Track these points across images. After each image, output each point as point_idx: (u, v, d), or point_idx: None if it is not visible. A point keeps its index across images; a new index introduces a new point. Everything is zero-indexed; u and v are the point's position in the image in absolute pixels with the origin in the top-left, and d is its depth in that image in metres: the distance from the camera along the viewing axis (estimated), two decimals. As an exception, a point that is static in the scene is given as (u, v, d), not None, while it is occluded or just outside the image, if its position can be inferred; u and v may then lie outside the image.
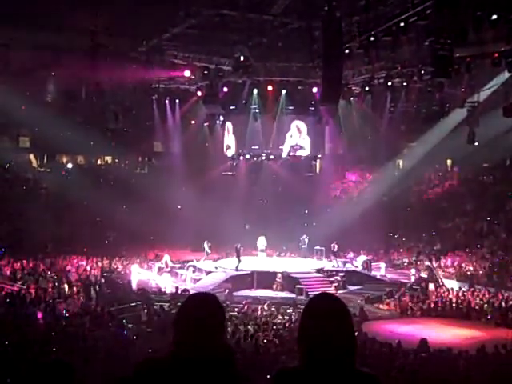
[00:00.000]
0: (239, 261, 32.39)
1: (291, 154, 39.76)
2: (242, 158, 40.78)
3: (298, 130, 39.38)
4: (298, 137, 39.46)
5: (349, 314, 3.13)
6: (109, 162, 46.34)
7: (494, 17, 17.86)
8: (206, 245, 35.17)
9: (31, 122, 34.94)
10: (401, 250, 38.04)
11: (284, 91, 34.94)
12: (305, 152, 39.86)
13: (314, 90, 32.40)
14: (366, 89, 30.97)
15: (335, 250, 34.46)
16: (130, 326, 21.64)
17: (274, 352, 17.55)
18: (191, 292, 26.73)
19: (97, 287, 28.69)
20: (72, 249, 34.76)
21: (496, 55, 23.81)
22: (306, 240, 36.20)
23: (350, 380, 3.00)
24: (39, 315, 21.77)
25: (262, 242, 35.90)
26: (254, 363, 15.06)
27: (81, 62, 28.06)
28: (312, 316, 3.06)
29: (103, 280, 30.56)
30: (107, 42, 27.01)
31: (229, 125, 39.79)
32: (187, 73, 30.81)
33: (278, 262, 34.70)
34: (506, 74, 25.59)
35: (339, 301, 3.14)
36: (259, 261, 34.78)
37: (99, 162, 46.18)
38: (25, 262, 31.43)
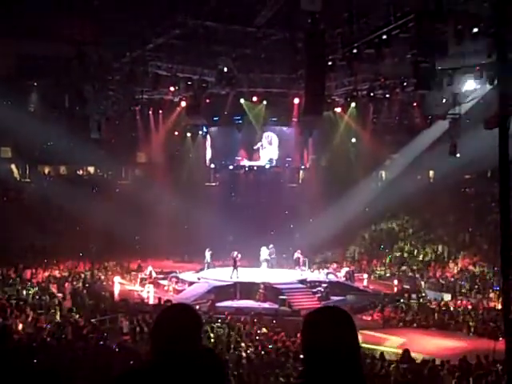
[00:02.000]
0: (235, 269, 32.34)
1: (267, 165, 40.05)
2: (225, 168, 40.80)
3: (269, 142, 39.62)
4: (270, 148, 39.72)
5: (355, 326, 3.06)
6: (91, 172, 46.15)
7: (475, 30, 18.09)
8: (207, 253, 35.14)
9: (13, 132, 34.70)
10: (384, 261, 38.14)
11: (266, 102, 35.00)
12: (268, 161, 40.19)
13: (296, 100, 32.51)
14: (349, 100, 31.14)
15: (299, 258, 34.28)
16: (112, 337, 21.51)
17: (257, 363, 17.51)
18: (174, 303, 26.65)
19: (78, 298, 28.54)
20: (54, 259, 34.56)
21: (477, 68, 24.09)
22: (273, 250, 36.07)
23: None
24: (20, 326, 21.58)
25: (264, 252, 35.74)
26: (236, 374, 15.03)
27: (63, 70, 28.02)
28: (321, 329, 2.99)
29: (85, 291, 30.38)
30: (91, 52, 26.98)
31: (212, 135, 39.82)
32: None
33: (260, 272, 34.62)
34: (487, 87, 25.84)
35: (346, 313, 3.10)
36: (242, 271, 34.66)
37: (82, 172, 45.97)
38: (5, 271, 31.19)
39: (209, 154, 40.48)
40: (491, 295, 29.54)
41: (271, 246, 35.34)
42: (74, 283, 31.48)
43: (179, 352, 3.10)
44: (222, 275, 33.40)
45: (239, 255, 32.65)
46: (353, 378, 2.96)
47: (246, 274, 33.61)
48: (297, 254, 34.22)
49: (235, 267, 32.23)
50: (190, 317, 3.24)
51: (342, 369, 2.93)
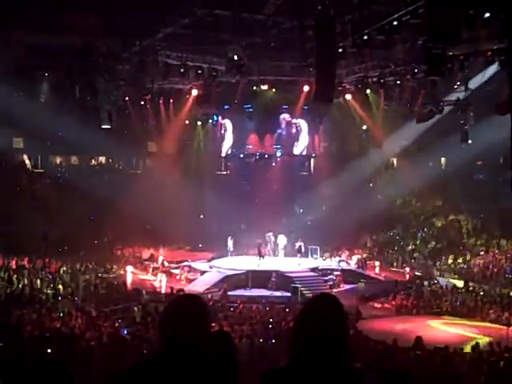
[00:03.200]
0: (261, 257, 32.58)
1: (297, 153, 40.08)
2: (236, 157, 40.78)
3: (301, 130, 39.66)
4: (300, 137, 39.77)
5: (343, 313, 3.14)
6: (103, 162, 46.25)
7: (487, 15, 17.87)
8: (229, 241, 35.45)
9: (25, 123, 34.79)
10: (395, 249, 38.07)
11: (277, 90, 34.89)
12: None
13: (306, 88, 32.39)
14: (360, 87, 30.97)
15: (300, 248, 34.31)
16: (125, 326, 21.62)
17: (269, 351, 17.55)
18: (186, 292, 26.80)
19: (91, 288, 28.72)
20: (67, 250, 34.73)
21: (489, 53, 23.87)
22: (273, 238, 36.19)
23: (341, 376, 3.00)
24: (34, 316, 21.73)
25: (282, 240, 36.04)
26: (249, 363, 15.06)
27: (74, 61, 28.03)
28: (308, 315, 3.09)
29: (98, 281, 30.54)
30: (100, 42, 26.98)
31: (227, 123, 39.68)
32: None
33: (272, 261, 34.71)
34: (490, 71, 25.66)
35: (335, 299, 3.17)
36: (254, 260, 34.80)
37: (93, 162, 46.09)
38: (19, 262, 31.38)
39: (223, 142, 40.33)
40: (504, 282, 29.43)
41: (270, 233, 35.82)
42: (87, 273, 31.63)
43: (187, 342, 3.10)
44: (235, 264, 33.55)
45: (263, 244, 33.13)
46: (337, 363, 2.99)
47: (258, 262, 33.75)
48: (298, 243, 34.26)
49: (261, 255, 32.53)
50: (197, 306, 3.25)
51: (327, 353, 2.97)
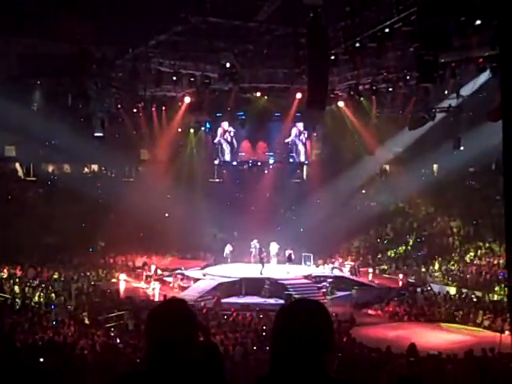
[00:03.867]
0: (263, 265, 32.55)
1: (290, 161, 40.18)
2: (228, 164, 40.77)
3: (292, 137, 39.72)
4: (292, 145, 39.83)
5: (322, 319, 2.99)
6: (95, 170, 46.17)
7: (478, 22, 17.96)
8: (227, 248, 35.60)
9: (17, 131, 34.71)
10: (388, 255, 38.10)
11: (270, 97, 34.94)
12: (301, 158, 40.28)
13: (299, 95, 32.47)
14: (352, 94, 31.04)
15: (290, 256, 34.26)
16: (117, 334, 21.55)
17: (263, 359, 17.51)
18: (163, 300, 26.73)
19: (84, 296, 28.62)
20: (59, 258, 34.64)
21: (481, 60, 23.98)
22: (257, 245, 36.22)
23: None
24: (26, 324, 21.63)
25: (274, 247, 36.07)
26: (243, 370, 15.03)
27: (67, 69, 28.02)
28: (282, 321, 3.00)
29: (90, 289, 30.46)
30: (93, 49, 26.98)
31: (225, 124, 39.62)
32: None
33: (265, 268, 34.68)
34: (482, 78, 25.77)
35: (313, 304, 3.05)
36: (247, 267, 34.81)
37: (86, 170, 46.00)
38: (11, 270, 31.27)
39: (216, 148, 40.23)
40: (496, 288, 29.47)
41: (255, 240, 36.07)
42: (80, 281, 31.54)
43: (172, 349, 3.06)
44: (228, 271, 33.55)
45: (264, 252, 33.17)
46: (315, 375, 2.94)
47: (251, 270, 33.76)
48: (288, 251, 34.21)
49: (262, 262, 32.50)
50: (180, 309, 3.20)
51: (303, 361, 2.92)
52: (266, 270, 33.02)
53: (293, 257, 34.36)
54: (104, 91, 30.99)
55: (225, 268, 34.95)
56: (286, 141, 39.63)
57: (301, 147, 40.03)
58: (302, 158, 40.57)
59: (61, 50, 27.70)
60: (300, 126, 39.52)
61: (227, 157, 40.09)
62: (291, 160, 40.32)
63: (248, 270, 34.09)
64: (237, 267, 34.96)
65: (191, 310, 3.26)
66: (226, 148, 39.89)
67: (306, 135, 39.92)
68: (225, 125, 39.38)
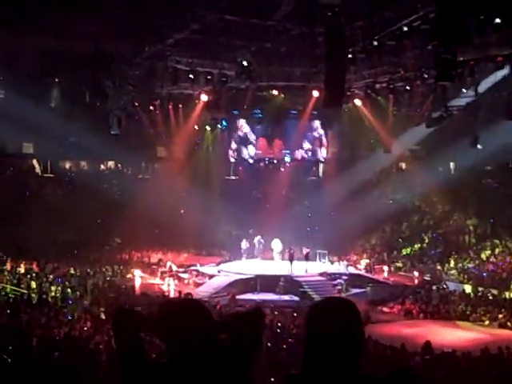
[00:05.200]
0: (291, 263, 32.61)
1: (306, 158, 40.25)
2: (244, 162, 40.87)
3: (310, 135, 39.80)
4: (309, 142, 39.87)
5: (359, 319, 3.07)
6: (112, 167, 46.40)
7: (498, 20, 17.89)
8: (243, 244, 36.83)
9: (35, 128, 34.97)
10: (404, 253, 38.03)
11: (286, 96, 34.96)
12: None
13: (315, 93, 32.47)
14: (369, 92, 30.99)
15: (308, 254, 34.19)
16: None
17: (277, 355, 17.58)
18: (194, 296, 26.91)
19: (99, 292, 28.82)
20: (76, 254, 34.88)
21: (500, 59, 23.86)
22: (262, 241, 36.34)
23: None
24: (43, 319, 21.83)
25: (277, 244, 36.15)
26: (257, 367, 15.09)
27: (85, 67, 28.19)
28: (319, 320, 3.02)
29: (106, 285, 30.66)
30: (110, 48, 27.10)
31: (243, 121, 39.73)
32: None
33: (281, 265, 34.78)
34: (501, 75, 25.62)
35: (350, 304, 3.09)
36: (263, 264, 34.92)
37: (102, 167, 46.25)
38: (28, 266, 31.55)
39: (233, 147, 40.38)
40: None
41: (259, 236, 36.78)
42: (96, 277, 31.75)
43: (189, 345, 3.11)
44: (244, 268, 33.68)
45: (293, 250, 33.25)
46: (349, 373, 2.98)
47: (266, 267, 33.87)
48: (305, 250, 34.16)
49: (291, 261, 32.54)
50: (193, 308, 3.27)
51: (340, 362, 2.96)
52: (292, 267, 32.93)
53: (310, 255, 34.32)
54: (121, 89, 31.14)
55: (240, 264, 35.09)
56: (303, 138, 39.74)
57: (317, 145, 40.03)
58: (319, 156, 40.56)
59: (78, 48, 27.86)
60: (317, 123, 39.52)
61: (245, 154, 40.23)
62: (307, 157, 40.30)
63: (263, 266, 34.19)
64: (252, 264, 35.09)
65: (203, 307, 3.33)
66: (243, 146, 40.07)
67: (322, 133, 39.92)
68: (242, 122, 39.51)
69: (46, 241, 34.29)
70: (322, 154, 40.68)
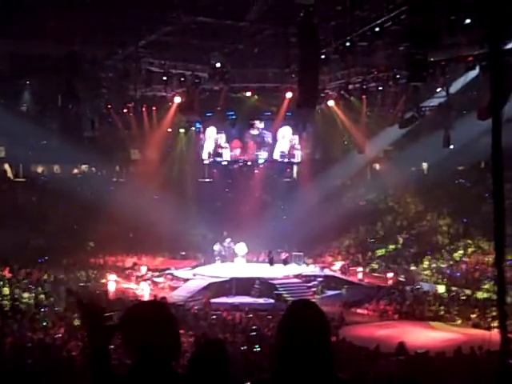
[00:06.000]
0: (272, 266, 32.42)
1: (280, 160, 40.09)
2: (218, 164, 40.77)
3: (282, 136, 39.62)
4: (282, 143, 39.74)
5: (327, 322, 3.12)
6: (85, 170, 46.03)
7: (468, 21, 18.05)
8: (216, 247, 36.51)
9: (6, 132, 34.55)
10: (378, 254, 38.13)
11: (260, 97, 34.93)
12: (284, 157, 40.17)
13: (289, 94, 32.49)
14: (342, 93, 31.08)
15: (286, 259, 34.05)
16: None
17: (253, 358, 17.50)
18: (168, 300, 26.74)
19: (73, 297, 28.50)
20: (49, 259, 34.46)
21: (470, 59, 24.08)
22: (232, 244, 36.41)
23: None
24: (15, 326, 21.54)
25: (241, 248, 36.11)
26: (232, 371, 14.99)
27: (57, 70, 27.89)
28: (291, 324, 3.03)
29: (80, 290, 30.34)
30: (83, 50, 26.84)
31: (210, 131, 39.65)
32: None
33: (255, 267, 34.73)
34: (472, 75, 25.83)
35: (317, 308, 3.13)
36: (238, 267, 34.84)
37: (75, 170, 45.84)
38: (0, 272, 31.12)
39: (205, 149, 40.30)
40: (485, 286, 29.58)
41: (229, 239, 36.68)
42: (70, 282, 31.41)
43: (157, 351, 3.05)
44: (219, 271, 33.56)
45: (272, 253, 33.15)
46: (322, 373, 2.97)
47: (240, 270, 33.81)
48: (284, 255, 33.98)
49: (272, 263, 32.34)
50: (157, 312, 3.22)
51: (312, 364, 2.94)
52: (273, 271, 32.80)
53: (289, 260, 34.14)
54: (94, 92, 30.94)
55: (215, 268, 34.97)
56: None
57: (288, 147, 39.99)
58: (293, 158, 40.53)
59: (50, 50, 27.54)
60: (287, 128, 39.50)
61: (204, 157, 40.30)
62: (281, 159, 40.26)
63: (238, 269, 34.12)
64: (227, 267, 34.99)
65: (169, 311, 3.29)
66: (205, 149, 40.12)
67: (295, 135, 39.90)
68: (211, 130, 39.57)
69: (19, 246, 33.87)
70: (297, 155, 40.66)
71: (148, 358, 3.04)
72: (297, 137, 40.12)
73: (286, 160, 40.54)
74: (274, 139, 39.63)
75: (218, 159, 40.10)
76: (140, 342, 3.06)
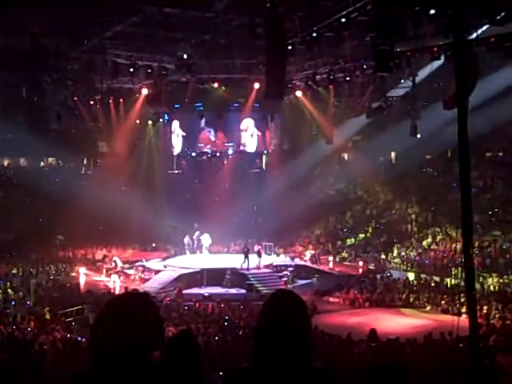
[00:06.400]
0: (247, 259, 32.20)
1: (239, 149, 40.01)
2: (187, 156, 40.66)
3: (245, 129, 39.53)
4: (244, 135, 39.65)
5: (306, 311, 3.17)
6: (52, 163, 45.59)
7: (432, 11, 18.26)
8: (186, 240, 36.61)
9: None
10: (348, 243, 38.44)
11: (228, 88, 34.85)
12: (249, 149, 40.02)
13: (256, 85, 32.50)
14: (310, 84, 31.14)
15: (259, 251, 33.97)
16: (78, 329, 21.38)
17: (225, 348, 17.58)
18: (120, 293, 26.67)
19: (43, 291, 28.33)
20: (17, 253, 34.15)
21: (435, 49, 24.33)
22: (200, 236, 36.54)
23: (303, 375, 3.02)
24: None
25: (206, 239, 36.20)
26: (205, 360, 15.05)
27: (21, 61, 27.51)
28: (271, 314, 3.07)
29: (50, 284, 30.15)
30: (47, 42, 26.50)
31: (176, 123, 39.56)
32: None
33: (226, 258, 34.78)
34: (437, 65, 26.08)
35: (298, 297, 3.17)
36: (208, 258, 34.89)
37: (42, 163, 45.37)
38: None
39: (172, 141, 40.16)
40: (453, 272, 30.00)
41: (198, 232, 36.92)
42: (39, 276, 31.19)
43: (124, 345, 2.95)
44: (189, 262, 33.58)
45: (248, 246, 33.04)
46: (300, 362, 3.02)
47: (211, 261, 33.85)
48: (256, 247, 33.92)
49: (246, 256, 32.13)
50: (141, 302, 3.11)
51: (290, 353, 2.99)
52: (248, 262, 32.59)
53: (262, 252, 34.04)
54: (59, 84, 30.57)
55: (186, 259, 34.99)
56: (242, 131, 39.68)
57: (254, 138, 39.96)
58: (254, 149, 40.42)
59: (13, 42, 27.14)
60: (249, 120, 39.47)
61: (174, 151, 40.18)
62: (248, 150, 40.23)
63: (209, 260, 34.17)
64: (198, 258, 35.04)
65: (153, 302, 3.19)
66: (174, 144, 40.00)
67: (257, 127, 39.86)
68: (175, 124, 39.46)
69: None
70: (265, 146, 40.71)
71: (131, 351, 2.97)
72: (265, 127, 40.13)
73: (251, 151, 40.47)
74: (239, 131, 39.55)
75: (187, 150, 39.99)
76: (125, 335, 2.97)
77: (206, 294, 28.94)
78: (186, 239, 36.71)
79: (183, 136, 39.57)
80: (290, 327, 3.00)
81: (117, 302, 3.12)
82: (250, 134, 39.57)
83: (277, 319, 3.02)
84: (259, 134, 39.72)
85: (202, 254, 36.03)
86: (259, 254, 33.07)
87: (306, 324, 3.11)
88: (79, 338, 19.31)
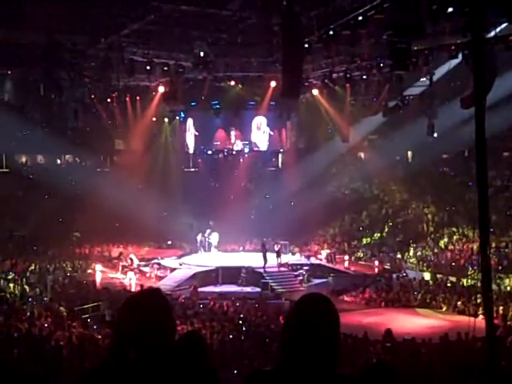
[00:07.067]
0: (265, 257, 32.19)
1: (254, 149, 39.94)
2: (203, 153, 40.70)
3: (257, 127, 39.45)
4: (256, 133, 39.56)
5: (338, 318, 3.05)
6: (69, 160, 45.80)
7: (450, 9, 18.12)
8: (198, 238, 36.62)
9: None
10: (364, 242, 38.33)
11: (244, 86, 34.82)
12: (261, 147, 39.94)
13: (273, 84, 32.45)
14: (326, 82, 31.06)
15: (279, 251, 33.80)
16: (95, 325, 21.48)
17: (239, 346, 17.59)
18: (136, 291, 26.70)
19: (59, 288, 28.48)
20: (34, 249, 34.37)
21: (453, 47, 24.16)
22: (212, 234, 36.54)
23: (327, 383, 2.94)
24: (1, 318, 21.47)
25: (215, 238, 36.29)
26: (220, 359, 15.08)
27: (38, 58, 27.65)
28: (301, 318, 2.97)
29: (66, 280, 30.32)
30: (64, 39, 26.62)
31: (190, 121, 39.60)
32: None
33: (242, 256, 34.79)
34: (455, 63, 25.90)
35: (330, 303, 3.07)
36: (223, 256, 34.93)
37: (59, 161, 45.59)
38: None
39: (188, 139, 40.22)
40: (470, 273, 29.82)
41: (209, 230, 37.03)
42: (56, 272, 31.37)
43: (148, 342, 2.92)
44: (205, 260, 33.64)
45: (267, 243, 32.98)
46: (326, 371, 2.94)
47: (227, 259, 33.86)
48: (277, 247, 33.69)
49: (265, 255, 32.07)
50: (156, 299, 3.07)
51: (318, 360, 2.92)
52: (267, 261, 32.51)
53: (282, 252, 33.83)
54: (77, 81, 30.67)
55: (201, 257, 35.05)
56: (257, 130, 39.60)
57: (266, 136, 39.85)
58: (266, 147, 40.31)
59: (32, 39, 27.28)
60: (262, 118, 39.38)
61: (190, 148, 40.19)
62: (260, 149, 40.13)
63: (224, 258, 34.19)
64: (213, 256, 35.09)
65: (165, 300, 3.15)
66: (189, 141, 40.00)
67: (270, 126, 39.77)
68: (189, 122, 39.45)
69: (3, 236, 33.73)
70: (281, 144, 40.66)
71: (147, 348, 2.95)
72: (282, 126, 40.07)
73: (271, 149, 40.44)
74: (256, 130, 39.46)
75: (204, 148, 40.04)
76: (140, 331, 2.95)
77: (222, 292, 28.96)
78: (199, 237, 36.76)
79: (196, 135, 39.56)
80: (319, 333, 2.91)
81: (137, 298, 3.12)
82: (262, 132, 39.48)
83: (306, 324, 2.93)
84: (271, 133, 39.59)
85: (211, 253, 36.02)
86: (279, 254, 32.89)
87: (336, 331, 3.02)
88: (95, 335, 19.41)
